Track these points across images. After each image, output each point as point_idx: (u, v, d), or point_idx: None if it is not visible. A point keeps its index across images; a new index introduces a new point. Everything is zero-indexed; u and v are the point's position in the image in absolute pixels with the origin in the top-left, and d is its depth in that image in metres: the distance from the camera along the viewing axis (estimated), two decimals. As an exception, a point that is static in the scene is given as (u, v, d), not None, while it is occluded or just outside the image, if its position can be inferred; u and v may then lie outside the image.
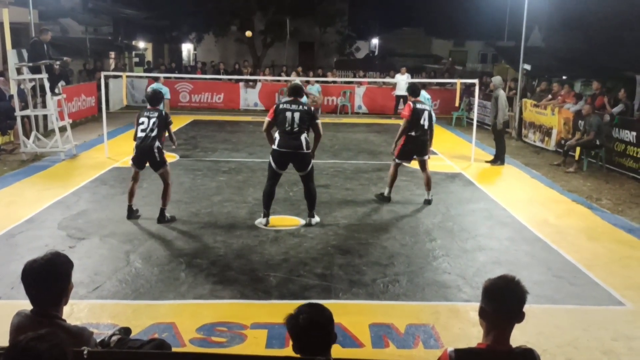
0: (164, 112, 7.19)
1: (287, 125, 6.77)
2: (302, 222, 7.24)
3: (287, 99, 7.13)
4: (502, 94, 11.49)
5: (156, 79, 14.30)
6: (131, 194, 7.23)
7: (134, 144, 7.10)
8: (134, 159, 7.11)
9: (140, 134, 6.97)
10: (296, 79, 14.03)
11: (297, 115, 6.77)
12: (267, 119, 7.01)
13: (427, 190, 8.30)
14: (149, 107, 7.15)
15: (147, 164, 7.11)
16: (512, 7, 25.66)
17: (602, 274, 5.78)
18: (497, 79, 11.94)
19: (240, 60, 23.53)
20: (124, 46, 25.34)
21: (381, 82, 20.32)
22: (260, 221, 7.17)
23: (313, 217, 7.21)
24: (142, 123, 6.97)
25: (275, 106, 7.08)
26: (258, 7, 26.00)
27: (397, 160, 8.30)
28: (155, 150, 6.96)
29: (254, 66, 23.89)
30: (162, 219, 7.10)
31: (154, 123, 6.94)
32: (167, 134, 7.25)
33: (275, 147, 6.86)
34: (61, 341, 2.09)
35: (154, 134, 6.95)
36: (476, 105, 12.70)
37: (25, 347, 2.01)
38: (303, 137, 6.79)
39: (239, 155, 11.68)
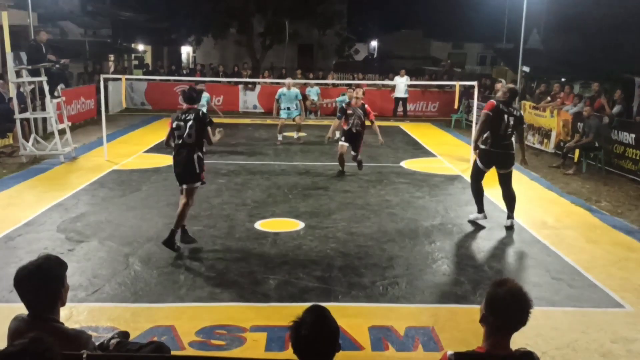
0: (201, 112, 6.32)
1: (502, 129, 7.10)
2: (302, 224, 7.23)
3: (505, 99, 7.22)
4: None
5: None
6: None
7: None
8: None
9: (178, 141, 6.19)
10: (296, 81, 14.12)
11: (512, 119, 7.12)
12: (484, 112, 7.13)
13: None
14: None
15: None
16: (510, 10, 25.67)
17: (601, 276, 5.78)
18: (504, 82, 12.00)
19: (239, 62, 23.53)
20: (123, 49, 25.35)
21: (380, 84, 20.34)
22: (476, 216, 7.52)
23: (513, 218, 7.35)
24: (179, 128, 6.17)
25: (496, 104, 7.12)
26: (257, 10, 26.00)
27: None
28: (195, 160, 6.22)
29: (253, 68, 23.89)
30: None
31: (190, 127, 6.10)
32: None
33: (487, 147, 7.21)
34: (47, 348, 2.10)
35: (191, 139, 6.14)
36: (475, 107, 12.70)
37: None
38: (512, 138, 7.36)
39: (238, 157, 11.68)
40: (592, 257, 6.35)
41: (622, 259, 6.33)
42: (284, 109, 13.67)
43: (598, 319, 4.85)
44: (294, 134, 13.97)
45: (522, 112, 7.53)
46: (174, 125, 6.17)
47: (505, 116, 7.11)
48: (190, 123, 6.09)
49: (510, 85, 7.77)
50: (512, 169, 7.42)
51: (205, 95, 12.84)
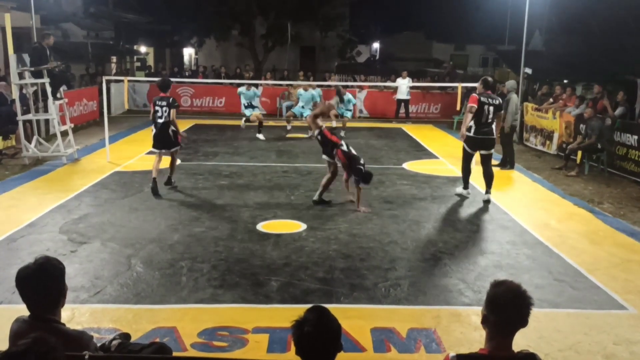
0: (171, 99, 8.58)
1: (483, 118, 8.28)
2: (304, 226, 7.23)
3: (483, 91, 8.38)
4: (514, 98, 11.54)
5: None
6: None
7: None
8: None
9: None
10: (301, 84, 14.46)
11: (492, 108, 8.30)
12: (470, 105, 8.30)
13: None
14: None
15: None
16: (512, 11, 25.69)
17: (603, 278, 5.77)
18: (510, 83, 12.07)
19: (241, 64, 23.56)
20: (126, 51, 25.38)
21: (382, 86, 20.34)
22: (461, 191, 8.76)
23: (490, 193, 8.54)
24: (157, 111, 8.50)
25: (478, 97, 8.28)
26: (259, 12, 26.04)
27: None
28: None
29: (255, 70, 23.92)
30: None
31: (165, 110, 8.45)
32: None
33: (472, 134, 8.39)
34: (51, 348, 2.10)
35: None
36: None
37: None
38: (493, 125, 8.45)
39: (240, 159, 11.69)
40: (595, 259, 6.34)
41: (624, 261, 6.32)
42: (300, 107, 14.99)
43: (601, 321, 4.84)
44: (307, 134, 14.36)
45: (500, 100, 8.59)
46: (156, 108, 8.51)
47: (486, 107, 8.25)
48: (164, 108, 8.47)
49: (483, 77, 8.80)
50: (492, 152, 8.61)
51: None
